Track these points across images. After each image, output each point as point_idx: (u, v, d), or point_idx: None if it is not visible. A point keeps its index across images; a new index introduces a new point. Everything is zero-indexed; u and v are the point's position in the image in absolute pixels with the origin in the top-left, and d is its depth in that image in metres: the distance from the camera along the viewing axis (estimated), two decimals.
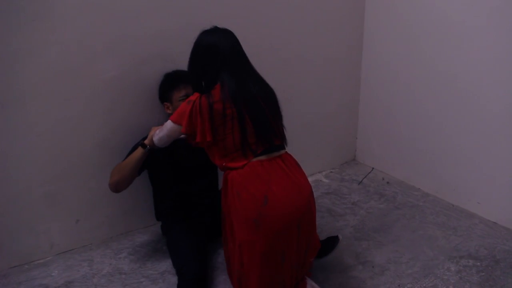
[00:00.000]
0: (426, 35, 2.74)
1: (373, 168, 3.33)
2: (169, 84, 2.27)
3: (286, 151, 1.97)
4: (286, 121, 2.02)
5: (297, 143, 2.64)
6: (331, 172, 3.30)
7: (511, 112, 2.41)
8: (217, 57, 1.86)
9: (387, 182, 3.12)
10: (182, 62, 2.02)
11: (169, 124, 1.96)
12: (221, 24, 2.05)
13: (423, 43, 2.77)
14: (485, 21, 2.43)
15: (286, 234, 1.80)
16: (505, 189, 2.53)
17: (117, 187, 2.14)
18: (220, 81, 1.85)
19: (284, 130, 1.99)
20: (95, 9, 2.14)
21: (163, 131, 1.99)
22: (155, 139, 2.05)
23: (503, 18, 2.34)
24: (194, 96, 1.87)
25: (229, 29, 1.98)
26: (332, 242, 2.13)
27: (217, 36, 1.91)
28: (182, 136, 2.01)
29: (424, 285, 2.10)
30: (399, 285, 2.10)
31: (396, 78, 3.02)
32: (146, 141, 2.10)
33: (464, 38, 2.54)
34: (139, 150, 2.12)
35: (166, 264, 2.28)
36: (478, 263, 2.24)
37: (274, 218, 1.76)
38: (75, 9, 2.09)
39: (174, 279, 2.16)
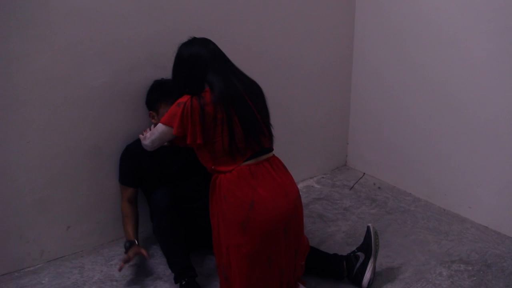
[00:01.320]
0: (416, 41, 2.76)
1: (364, 173, 3.34)
2: (158, 95, 2.27)
3: (274, 154, 1.99)
4: (277, 127, 2.04)
5: (288, 149, 2.65)
6: (323, 177, 3.31)
7: (500, 117, 2.43)
8: (200, 65, 1.92)
9: (379, 187, 3.13)
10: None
11: (160, 127, 1.98)
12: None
13: (413, 49, 2.79)
14: (474, 28, 2.45)
15: (273, 237, 1.82)
16: (495, 193, 2.55)
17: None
18: (209, 84, 1.88)
19: (272, 128, 2.01)
20: (86, 16, 2.13)
21: (154, 134, 2.02)
22: (147, 142, 2.08)
23: (492, 25, 2.37)
24: (185, 98, 1.88)
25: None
26: (368, 236, 2.13)
27: (197, 45, 1.97)
28: (165, 144, 2.04)
29: None
30: None
31: (386, 83, 3.04)
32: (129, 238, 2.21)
33: (453, 45, 2.56)
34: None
35: (157, 271, 2.26)
36: (470, 268, 2.25)
37: (261, 221, 1.79)
38: (66, 16, 2.08)
39: (165, 286, 2.15)
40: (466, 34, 2.49)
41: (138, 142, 2.24)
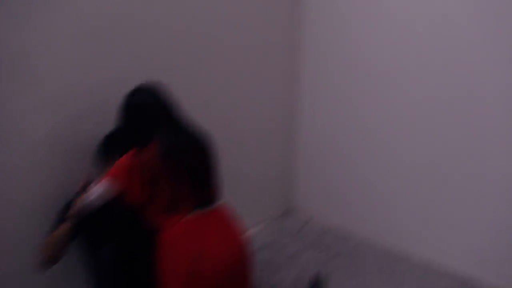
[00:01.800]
0: (357, 85, 2.90)
1: (311, 217, 3.37)
2: (108, 150, 2.15)
3: (221, 204, 1.99)
4: (221, 174, 2.04)
5: (233, 196, 2.63)
6: (269, 223, 3.31)
7: (432, 159, 2.58)
8: (146, 116, 1.90)
9: (325, 231, 3.16)
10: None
11: (103, 183, 1.92)
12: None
13: (353, 92, 2.92)
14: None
15: None
16: (437, 230, 2.66)
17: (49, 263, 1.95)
18: (155, 137, 1.88)
19: (220, 181, 2.01)
20: (30, 61, 2.06)
21: (97, 192, 1.94)
22: (93, 197, 1.99)
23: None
24: (130, 154, 1.87)
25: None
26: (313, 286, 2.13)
27: (142, 95, 1.94)
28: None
29: None
30: None
31: (332, 126, 3.13)
32: (72, 213, 1.95)
33: (393, 93, 2.72)
34: (68, 225, 1.94)
35: None
36: None
37: (208, 273, 1.77)
38: (7, 65, 2.02)
39: None
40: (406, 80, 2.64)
41: (78, 194, 2.15)
